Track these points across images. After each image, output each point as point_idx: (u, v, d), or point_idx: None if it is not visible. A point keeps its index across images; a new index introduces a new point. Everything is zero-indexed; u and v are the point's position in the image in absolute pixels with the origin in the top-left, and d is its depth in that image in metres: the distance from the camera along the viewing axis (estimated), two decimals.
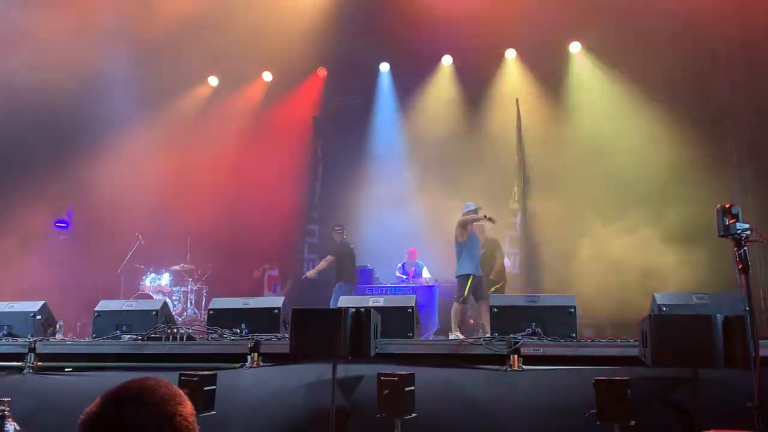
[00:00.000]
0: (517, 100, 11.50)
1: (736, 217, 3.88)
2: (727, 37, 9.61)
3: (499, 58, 11.72)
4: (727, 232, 3.81)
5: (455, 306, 8.68)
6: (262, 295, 10.44)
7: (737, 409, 3.69)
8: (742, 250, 3.83)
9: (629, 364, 4.54)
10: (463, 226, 8.89)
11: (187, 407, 1.41)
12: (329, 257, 10.29)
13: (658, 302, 5.19)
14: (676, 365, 4.11)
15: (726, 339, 3.99)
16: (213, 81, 12.91)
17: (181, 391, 1.44)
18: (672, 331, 4.03)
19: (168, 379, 1.47)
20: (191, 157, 11.88)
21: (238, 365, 5.20)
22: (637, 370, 4.37)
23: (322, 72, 12.62)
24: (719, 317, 4.01)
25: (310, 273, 10.52)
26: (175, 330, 5.72)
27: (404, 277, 10.15)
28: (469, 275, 8.63)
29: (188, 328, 5.94)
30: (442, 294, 9.83)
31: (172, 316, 6.62)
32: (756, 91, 9.44)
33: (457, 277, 8.82)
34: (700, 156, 9.39)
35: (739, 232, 3.81)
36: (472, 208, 9.04)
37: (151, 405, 1.36)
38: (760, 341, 4.08)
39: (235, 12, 10.64)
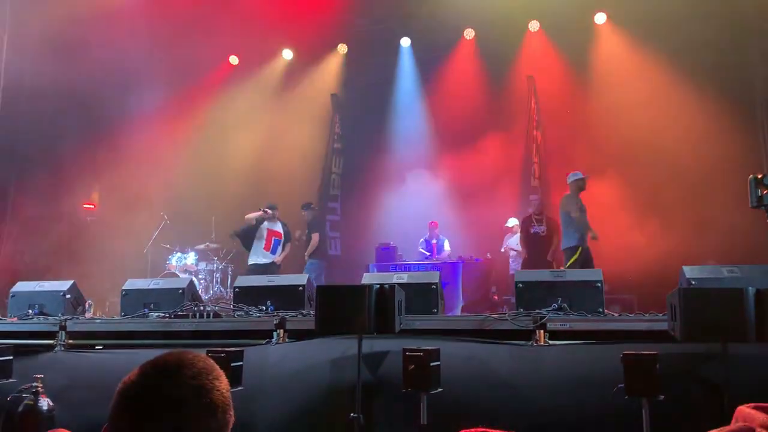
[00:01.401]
0: (532, 78, 11.29)
1: None
2: (760, 5, 9.29)
3: (523, 31, 11.50)
4: (760, 202, 3.73)
5: None
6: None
7: None
8: None
9: (658, 339, 4.48)
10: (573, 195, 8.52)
11: (224, 382, 1.41)
12: (316, 234, 10.28)
13: (687, 276, 5.10)
14: (706, 340, 4.04)
15: (758, 313, 3.90)
16: (234, 60, 12.89)
17: (217, 366, 1.44)
18: (702, 305, 3.95)
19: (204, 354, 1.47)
20: (213, 137, 11.95)
21: (264, 341, 5.25)
22: (666, 345, 4.31)
23: (343, 48, 12.53)
24: (751, 290, 3.92)
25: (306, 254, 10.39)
26: (201, 307, 5.79)
27: (427, 253, 10.14)
28: (577, 247, 8.24)
29: (214, 306, 6.00)
30: (465, 270, 9.80)
31: (198, 294, 6.69)
32: None
33: (563, 250, 8.48)
34: (730, 128, 9.16)
35: None
36: (580, 177, 8.60)
37: (189, 377, 1.36)
38: None
39: None
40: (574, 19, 10.88)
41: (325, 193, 12.38)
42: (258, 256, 9.35)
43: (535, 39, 11.49)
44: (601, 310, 5.12)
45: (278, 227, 9.54)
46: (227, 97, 12.30)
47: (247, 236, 9.48)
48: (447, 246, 10.36)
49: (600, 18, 11.11)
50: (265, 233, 9.43)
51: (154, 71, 11.54)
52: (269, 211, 9.36)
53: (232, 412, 1.40)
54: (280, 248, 9.50)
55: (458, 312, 8.82)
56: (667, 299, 4.37)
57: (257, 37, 11.96)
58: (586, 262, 8.12)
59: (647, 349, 4.05)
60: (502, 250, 10.33)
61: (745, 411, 1.13)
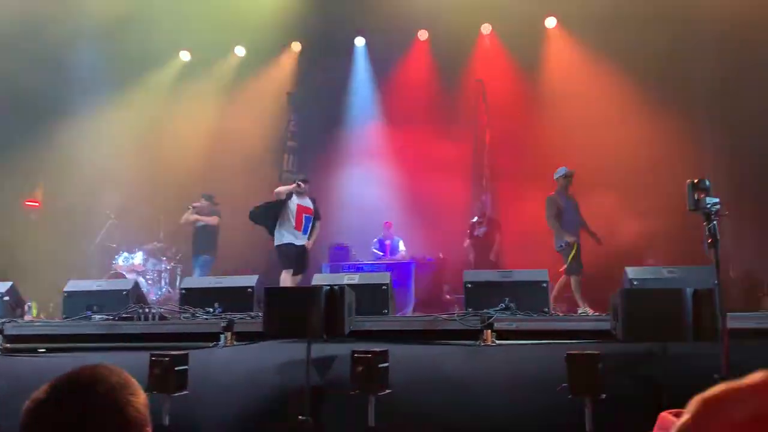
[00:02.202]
0: (482, 81, 11.44)
1: (706, 191, 3.91)
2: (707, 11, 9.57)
3: (475, 33, 11.63)
4: (697, 206, 3.85)
5: (572, 279, 7.86)
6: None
7: (706, 382, 3.75)
8: (711, 225, 3.87)
9: (601, 339, 4.60)
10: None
11: (141, 397, 1.35)
12: (216, 218, 9.90)
13: (630, 276, 5.26)
14: (646, 339, 4.17)
15: (695, 312, 4.05)
16: (185, 56, 12.63)
17: (134, 380, 1.38)
18: (642, 305, 4.08)
19: (121, 368, 1.41)
20: (163, 135, 11.69)
21: (211, 344, 5.16)
22: (609, 344, 4.42)
23: (297, 47, 12.43)
24: (688, 291, 4.06)
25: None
26: (147, 310, 5.66)
27: (381, 254, 10.15)
28: (568, 244, 7.96)
29: (160, 308, 5.88)
30: (418, 270, 9.84)
31: (144, 295, 6.54)
32: (733, 71, 9.48)
33: (557, 251, 8.16)
34: (675, 132, 9.45)
35: (708, 206, 3.84)
36: (562, 173, 8.34)
37: (102, 394, 1.29)
38: (728, 314, 4.15)
39: None
40: (526, 23, 11.02)
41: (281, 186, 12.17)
42: (291, 235, 8.15)
43: (487, 42, 11.63)
44: (546, 309, 5.23)
45: (309, 203, 8.47)
46: (177, 94, 12.03)
47: (268, 215, 8.32)
48: (402, 246, 10.36)
49: (550, 22, 11.32)
50: (294, 209, 8.25)
51: (101, 65, 11.21)
52: (302, 185, 8.31)
53: (149, 429, 1.34)
54: (309, 227, 8.42)
55: (410, 312, 8.85)
56: (610, 300, 4.49)
57: (209, 33, 11.74)
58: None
59: (591, 349, 4.15)
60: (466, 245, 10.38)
61: (667, 418, 1.15)
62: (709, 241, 3.84)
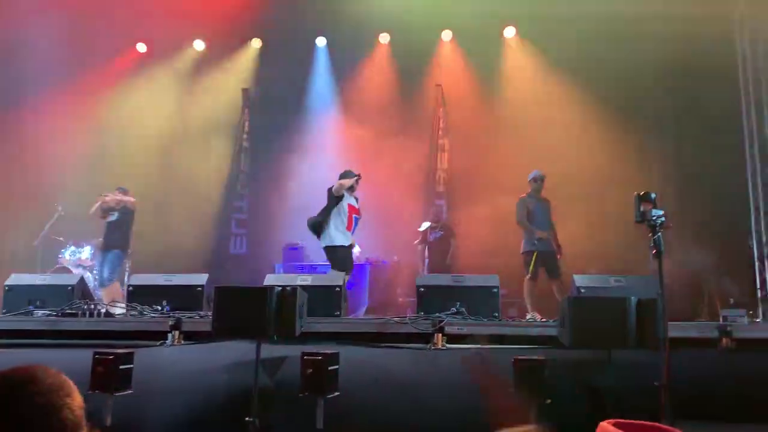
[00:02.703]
0: (440, 86, 11.55)
1: (652, 203, 4.03)
2: (663, 32, 9.86)
3: (436, 39, 11.72)
4: (642, 218, 3.96)
5: (525, 283, 7.89)
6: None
7: (648, 388, 3.86)
8: (656, 236, 3.99)
9: (549, 344, 4.69)
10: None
11: (76, 399, 1.31)
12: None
13: (577, 284, 5.38)
14: (592, 346, 4.26)
15: (639, 321, 4.16)
16: (141, 47, 12.34)
17: (70, 381, 1.34)
18: (588, 313, 4.17)
19: (61, 367, 1.37)
20: (115, 128, 11.41)
21: (158, 343, 5.06)
22: (557, 350, 4.51)
23: (257, 43, 12.30)
24: (633, 300, 4.18)
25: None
26: (92, 306, 5.51)
27: None
28: (530, 252, 7.90)
29: (106, 304, 5.72)
30: (373, 272, 9.85)
31: (90, 291, 6.37)
32: (682, 85, 9.80)
33: (521, 254, 8.12)
34: (626, 144, 9.72)
35: (654, 218, 3.96)
36: (532, 176, 8.28)
37: (37, 395, 1.25)
38: (670, 323, 4.29)
39: None
40: (485, 31, 11.19)
41: (232, 190, 12.04)
42: (344, 236, 7.61)
43: (447, 48, 11.73)
44: (496, 314, 5.31)
45: (356, 203, 7.97)
46: (132, 86, 11.76)
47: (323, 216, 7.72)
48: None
49: (509, 32, 11.50)
50: (346, 208, 7.72)
51: (53, 56, 10.84)
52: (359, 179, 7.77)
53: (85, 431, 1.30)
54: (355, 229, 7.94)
55: (362, 314, 8.86)
56: (558, 306, 4.59)
57: (167, 25, 11.50)
58: (546, 263, 7.89)
59: (539, 354, 4.23)
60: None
61: (607, 428, 1.18)
62: (654, 252, 3.95)
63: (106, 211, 9.06)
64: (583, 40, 9.97)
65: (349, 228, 7.70)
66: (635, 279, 5.44)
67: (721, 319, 7.86)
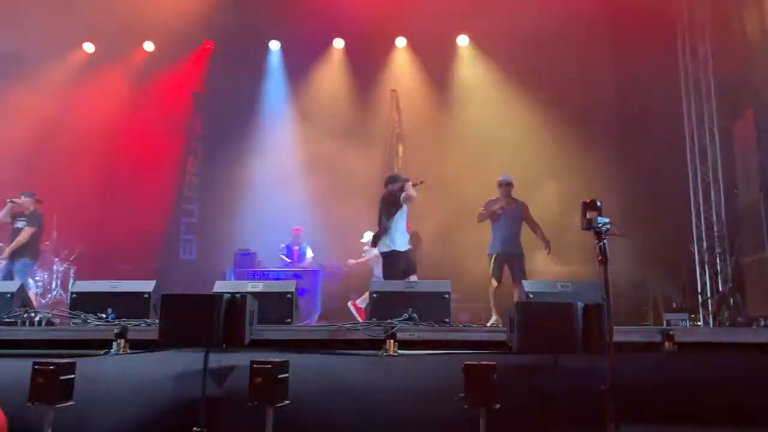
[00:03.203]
0: (395, 92, 11.61)
1: (598, 211, 4.12)
2: (606, 37, 10.12)
3: (390, 45, 11.77)
4: (589, 225, 4.04)
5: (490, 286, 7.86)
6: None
7: (594, 392, 3.94)
8: (602, 243, 4.08)
9: (499, 350, 4.73)
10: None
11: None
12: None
13: (526, 289, 5.46)
14: (539, 351, 4.33)
15: (585, 326, 4.24)
16: (89, 47, 12.01)
17: None
18: (536, 318, 4.23)
19: None
20: (61, 129, 11.04)
21: (102, 352, 4.90)
22: (507, 355, 4.56)
23: (209, 45, 12.11)
24: (579, 305, 4.25)
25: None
26: (32, 314, 5.31)
27: (288, 260, 10.02)
28: (490, 254, 7.89)
29: (47, 313, 5.52)
30: (326, 278, 9.80)
31: (30, 299, 6.13)
32: (624, 92, 10.08)
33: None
34: (572, 151, 9.95)
35: (599, 225, 4.05)
36: (498, 180, 8.19)
37: None
38: (615, 327, 4.39)
39: None
40: (439, 38, 11.31)
41: (180, 194, 11.78)
42: (405, 242, 7.67)
43: (402, 54, 11.80)
44: (447, 320, 5.33)
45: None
46: (77, 87, 11.42)
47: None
48: (309, 253, 10.28)
49: (462, 40, 11.64)
50: (405, 214, 7.82)
51: None
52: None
53: None
54: None
55: (315, 320, 8.80)
56: (507, 312, 4.64)
57: (116, 25, 11.22)
58: (510, 266, 7.83)
59: (489, 359, 4.27)
60: (361, 260, 10.39)
61: None
62: (600, 258, 4.03)
63: (14, 216, 8.77)
64: (533, 48, 10.16)
65: (407, 232, 7.87)
66: (582, 284, 5.55)
67: (665, 323, 8.15)
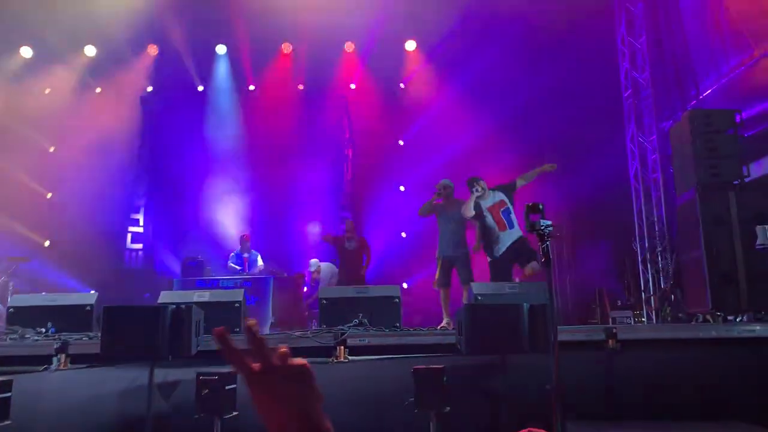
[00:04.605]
0: (345, 97, 11.63)
1: (541, 213, 4.20)
2: (546, 40, 10.32)
3: (339, 51, 11.77)
4: (532, 228, 4.11)
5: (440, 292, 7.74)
6: None
7: (541, 392, 4.01)
8: (545, 245, 4.16)
9: (449, 352, 4.77)
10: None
11: None
12: None
13: (474, 292, 5.53)
14: (488, 352, 4.39)
15: (531, 326, 4.32)
16: (26, 52, 11.58)
17: None
18: (483, 320, 4.29)
19: None
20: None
21: (41, 368, 4.73)
22: (456, 357, 4.60)
23: (153, 50, 11.85)
24: (525, 306, 4.33)
25: None
26: None
27: (238, 268, 9.86)
28: (437, 258, 7.73)
29: None
30: (277, 286, 9.68)
31: None
32: (568, 92, 10.30)
33: None
34: (519, 157, 10.13)
35: (542, 228, 4.13)
36: (438, 184, 7.92)
37: None
38: (561, 327, 4.48)
39: None
40: (387, 44, 11.36)
41: (128, 202, 11.46)
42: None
43: (350, 59, 11.80)
44: (398, 324, 5.35)
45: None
46: (15, 94, 11.00)
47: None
48: (260, 261, 10.11)
49: (410, 45, 11.74)
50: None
51: None
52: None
53: None
54: None
55: (266, 330, 8.67)
56: (455, 314, 4.69)
57: (55, 28, 10.86)
58: (457, 269, 7.61)
59: (438, 363, 4.30)
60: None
61: None
62: (543, 260, 4.11)
63: None
64: (478, 53, 10.32)
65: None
66: (529, 285, 5.65)
67: (610, 321, 8.37)
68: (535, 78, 10.25)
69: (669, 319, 8.43)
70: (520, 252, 7.22)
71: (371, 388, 4.60)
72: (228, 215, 10.82)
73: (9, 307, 5.44)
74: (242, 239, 10.10)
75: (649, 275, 9.69)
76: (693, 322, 6.81)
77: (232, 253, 10.12)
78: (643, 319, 9.26)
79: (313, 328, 6.65)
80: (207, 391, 3.83)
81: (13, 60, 11.48)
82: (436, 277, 7.74)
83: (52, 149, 11.27)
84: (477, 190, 7.41)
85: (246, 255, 9.99)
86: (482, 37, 10.51)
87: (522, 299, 4.70)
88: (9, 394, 3.92)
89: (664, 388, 4.67)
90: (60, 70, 11.54)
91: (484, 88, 10.50)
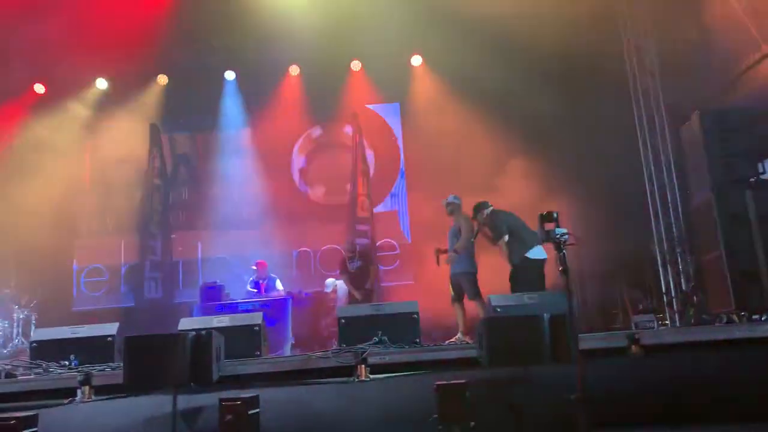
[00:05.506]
0: (356, 114, 11.70)
1: (555, 222, 4.19)
2: (554, 49, 10.30)
3: (346, 69, 11.85)
4: (547, 237, 4.10)
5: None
6: None
7: (566, 402, 3.97)
8: (562, 254, 4.14)
9: (470, 366, 4.74)
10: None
11: None
12: None
13: (494, 304, 5.50)
14: (509, 364, 4.35)
15: (552, 336, 4.29)
16: (39, 89, 11.81)
17: None
18: (504, 332, 4.26)
19: None
20: (14, 172, 10.80)
21: (66, 401, 4.76)
22: (478, 371, 4.57)
23: (163, 79, 12.00)
24: (546, 316, 4.30)
25: None
26: None
27: (255, 290, 9.85)
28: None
29: (7, 364, 5.35)
30: (296, 306, 9.67)
31: None
32: (578, 99, 10.27)
33: None
34: (531, 163, 10.11)
35: (558, 236, 4.11)
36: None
37: None
38: (582, 335, 4.44)
39: (62, 11, 9.80)
40: (393, 60, 11.44)
41: (145, 231, 11.51)
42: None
43: (358, 78, 11.88)
44: (417, 340, 5.33)
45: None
46: (30, 129, 11.19)
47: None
48: (279, 285, 10.01)
49: (416, 60, 11.80)
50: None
51: None
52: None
53: None
54: None
55: (287, 351, 8.68)
56: (476, 328, 4.66)
57: (67, 65, 11.07)
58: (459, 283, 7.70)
59: (461, 377, 4.27)
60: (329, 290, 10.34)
61: None
62: (561, 269, 4.09)
63: None
64: (484, 67, 10.30)
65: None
66: (548, 295, 5.61)
67: (633, 326, 8.26)
68: (543, 87, 10.22)
69: (693, 321, 8.31)
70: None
71: (394, 406, 4.57)
72: (246, 238, 10.89)
73: (32, 342, 5.50)
74: (257, 267, 10.07)
75: (670, 277, 9.58)
76: (717, 324, 6.71)
77: (250, 279, 10.11)
78: (666, 322, 9.14)
79: (333, 347, 6.65)
80: (230, 416, 3.83)
81: (26, 98, 11.69)
82: (452, 292, 7.80)
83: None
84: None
85: (263, 281, 9.94)
86: (486, 46, 10.50)
87: (541, 309, 4.66)
88: (35, 429, 3.94)
89: (692, 392, 4.59)
90: (72, 106, 11.73)
91: (490, 96, 10.47)
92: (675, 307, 9.33)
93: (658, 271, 9.79)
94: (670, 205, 9.82)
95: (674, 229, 9.73)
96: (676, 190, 9.78)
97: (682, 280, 9.48)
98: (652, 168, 10.02)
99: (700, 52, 9.08)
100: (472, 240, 7.71)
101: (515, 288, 7.01)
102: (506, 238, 7.40)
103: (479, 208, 7.80)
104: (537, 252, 7.21)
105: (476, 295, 7.45)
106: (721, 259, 6.14)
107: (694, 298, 8.81)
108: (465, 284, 7.57)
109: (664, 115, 10.00)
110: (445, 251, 7.72)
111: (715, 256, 6.32)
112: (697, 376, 4.70)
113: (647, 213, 10.03)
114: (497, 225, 7.52)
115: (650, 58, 10.18)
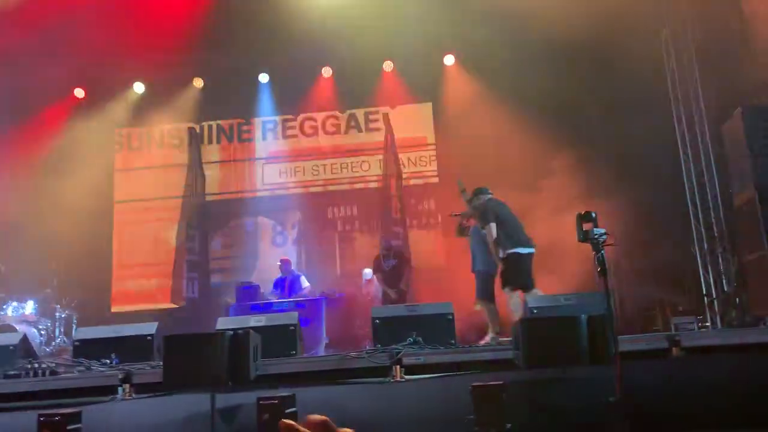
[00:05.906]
0: (388, 115, 11.69)
1: (593, 222, 4.12)
2: (590, 46, 10.15)
3: (378, 70, 11.86)
4: (585, 237, 4.04)
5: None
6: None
7: (605, 404, 3.91)
8: (600, 254, 4.08)
9: (505, 368, 4.70)
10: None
11: None
12: None
13: (529, 305, 5.44)
14: (546, 365, 4.30)
15: (590, 338, 4.23)
16: (79, 93, 12.11)
17: None
18: (541, 333, 4.21)
19: None
20: (55, 175, 11.09)
21: (107, 399, 4.87)
22: (515, 372, 4.53)
23: (198, 83, 12.19)
24: (583, 317, 4.24)
25: None
26: (36, 365, 5.28)
27: (278, 292, 9.89)
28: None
29: (50, 362, 5.49)
30: (329, 306, 9.72)
31: (33, 349, 6.11)
32: (613, 101, 10.09)
33: None
34: (565, 164, 9.95)
35: (596, 237, 4.05)
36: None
37: None
38: (621, 336, 4.36)
39: (103, 18, 10.04)
40: (426, 60, 11.41)
41: (186, 231, 11.65)
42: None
43: (390, 78, 11.88)
44: (453, 341, 5.30)
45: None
46: (71, 132, 11.49)
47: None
48: (305, 282, 10.08)
49: (449, 60, 11.75)
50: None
51: None
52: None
53: None
54: None
55: (321, 350, 8.72)
56: (511, 329, 4.62)
57: (105, 70, 11.34)
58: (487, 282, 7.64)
59: (496, 378, 4.24)
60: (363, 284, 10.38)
61: None
62: (599, 269, 4.02)
63: None
64: (520, 64, 10.22)
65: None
66: (585, 296, 5.53)
67: (672, 328, 8.09)
68: (579, 87, 10.08)
69: (734, 323, 8.10)
70: None
71: (430, 407, 4.57)
72: (281, 237, 11.01)
73: (74, 340, 5.63)
74: (281, 263, 10.14)
75: (711, 279, 9.35)
76: (761, 326, 6.53)
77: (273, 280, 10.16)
78: (707, 324, 8.92)
79: (368, 347, 6.66)
80: (268, 415, 3.87)
81: (67, 103, 12.01)
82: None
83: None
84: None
85: (288, 278, 9.98)
86: (521, 46, 10.39)
87: (579, 310, 4.60)
88: (79, 425, 4.04)
89: (734, 395, 4.48)
90: (112, 108, 12.01)
91: (526, 99, 10.36)
92: (716, 308, 9.11)
93: (699, 271, 9.57)
94: (710, 203, 9.59)
95: (715, 229, 9.50)
96: (717, 189, 9.53)
97: (724, 281, 9.24)
98: (692, 166, 9.80)
99: (742, 46, 8.85)
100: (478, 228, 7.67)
101: (504, 283, 6.98)
102: (493, 227, 7.19)
103: (477, 193, 7.68)
104: (523, 248, 7.09)
105: (483, 294, 7.39)
106: (765, 260, 5.97)
107: (737, 299, 8.59)
108: (477, 282, 7.53)
109: (703, 112, 9.76)
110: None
111: (759, 257, 6.15)
112: (741, 379, 4.58)
113: (687, 212, 9.81)
114: (484, 213, 7.36)
115: (689, 54, 9.95)
